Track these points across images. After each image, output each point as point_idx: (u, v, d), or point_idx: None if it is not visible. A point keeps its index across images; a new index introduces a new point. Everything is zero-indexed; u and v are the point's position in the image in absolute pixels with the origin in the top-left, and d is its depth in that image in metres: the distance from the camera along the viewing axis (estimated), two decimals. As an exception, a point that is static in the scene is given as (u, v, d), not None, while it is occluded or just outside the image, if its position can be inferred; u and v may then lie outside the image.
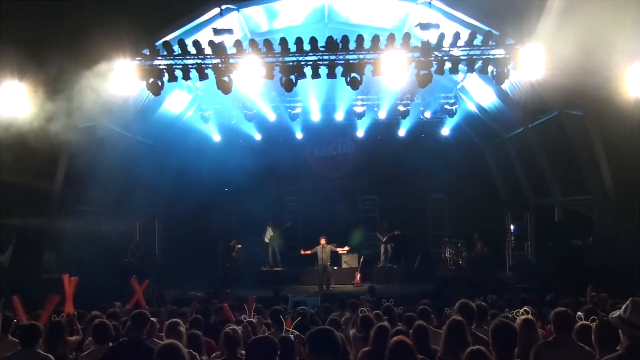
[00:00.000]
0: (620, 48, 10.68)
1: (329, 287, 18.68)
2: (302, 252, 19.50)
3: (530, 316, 6.07)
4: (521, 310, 6.88)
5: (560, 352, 5.24)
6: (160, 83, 13.54)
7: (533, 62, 12.65)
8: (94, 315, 8.40)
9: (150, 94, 14.07)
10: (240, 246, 20.59)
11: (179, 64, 13.45)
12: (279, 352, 4.34)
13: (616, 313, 4.41)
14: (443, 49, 13.08)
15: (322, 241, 19.15)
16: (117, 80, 12.98)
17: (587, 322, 5.68)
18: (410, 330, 6.69)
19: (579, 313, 6.89)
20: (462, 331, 5.68)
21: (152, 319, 6.77)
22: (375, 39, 13.03)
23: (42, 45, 10.90)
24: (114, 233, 18.03)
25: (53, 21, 11.39)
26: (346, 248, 20.08)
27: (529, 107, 15.89)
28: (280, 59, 13.38)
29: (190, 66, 13.48)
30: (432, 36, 12.91)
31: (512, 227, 21.95)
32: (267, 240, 20.56)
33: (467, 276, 18.62)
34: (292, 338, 5.58)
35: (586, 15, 10.14)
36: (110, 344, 6.18)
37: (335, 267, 20.04)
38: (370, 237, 22.01)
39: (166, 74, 13.47)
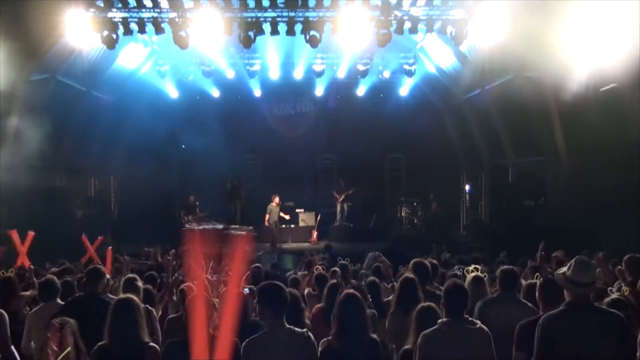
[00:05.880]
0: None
1: (282, 245, 18.83)
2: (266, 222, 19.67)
3: (479, 273, 6.21)
4: (471, 268, 7.02)
5: (503, 308, 5.42)
6: (115, 36, 13.22)
7: (491, 24, 12.76)
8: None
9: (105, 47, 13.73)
10: (205, 214, 19.75)
11: (135, 17, 13.15)
12: None
13: (561, 271, 4.56)
14: (403, 8, 13.07)
15: (276, 199, 19.36)
16: (71, 31, 12.66)
17: (533, 280, 5.85)
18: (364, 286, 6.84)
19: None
20: (414, 288, 5.84)
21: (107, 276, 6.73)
22: (335, -4, 12.95)
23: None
24: (68, 189, 17.76)
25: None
26: (287, 217, 20.20)
27: (486, 69, 15.99)
28: (238, 15, 13.19)
29: (146, 19, 13.19)
30: (392, -5, 12.90)
31: (467, 187, 22.26)
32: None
33: (422, 235, 18.92)
34: (246, 293, 5.68)
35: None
36: (59, 300, 6.15)
37: (292, 225, 20.25)
38: (327, 196, 22.12)
39: (121, 27, 13.17)
